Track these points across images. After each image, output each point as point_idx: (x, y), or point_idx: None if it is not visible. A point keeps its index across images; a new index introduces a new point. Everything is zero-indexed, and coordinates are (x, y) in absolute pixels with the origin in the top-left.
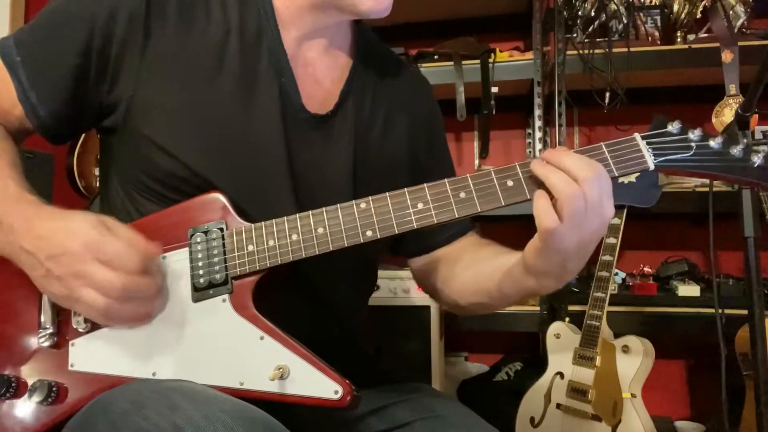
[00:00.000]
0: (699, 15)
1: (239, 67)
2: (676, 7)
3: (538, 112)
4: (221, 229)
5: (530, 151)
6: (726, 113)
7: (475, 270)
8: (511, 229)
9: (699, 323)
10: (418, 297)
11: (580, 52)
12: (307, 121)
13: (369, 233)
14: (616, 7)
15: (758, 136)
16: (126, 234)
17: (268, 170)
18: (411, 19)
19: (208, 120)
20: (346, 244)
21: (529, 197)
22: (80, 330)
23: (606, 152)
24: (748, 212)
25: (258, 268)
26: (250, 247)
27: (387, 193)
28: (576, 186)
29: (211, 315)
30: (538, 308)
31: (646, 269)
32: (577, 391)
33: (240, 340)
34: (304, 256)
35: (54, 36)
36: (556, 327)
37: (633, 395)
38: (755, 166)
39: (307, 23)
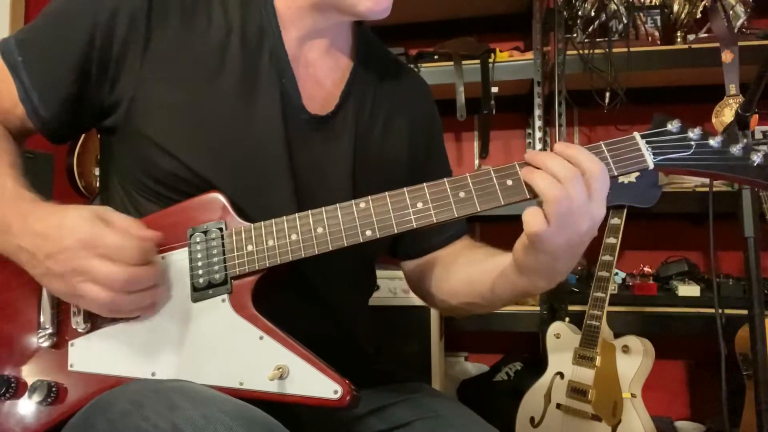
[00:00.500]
0: (699, 15)
1: (240, 67)
2: (676, 7)
3: (538, 112)
4: (221, 229)
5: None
6: (726, 113)
7: (469, 271)
8: (511, 229)
9: (699, 323)
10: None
11: (580, 52)
12: (308, 121)
13: (368, 233)
14: (616, 7)
15: (758, 136)
16: (122, 223)
17: (269, 171)
18: (411, 19)
19: (209, 120)
20: (345, 244)
21: (528, 196)
22: (80, 330)
23: (605, 151)
24: (748, 212)
25: (257, 268)
26: (250, 247)
27: (386, 193)
28: (560, 187)
29: (210, 315)
30: (538, 308)
31: (646, 269)
32: (577, 391)
33: (239, 340)
34: (303, 255)
35: (56, 36)
36: (556, 327)
37: (633, 395)
38: (755, 165)
39: (308, 24)
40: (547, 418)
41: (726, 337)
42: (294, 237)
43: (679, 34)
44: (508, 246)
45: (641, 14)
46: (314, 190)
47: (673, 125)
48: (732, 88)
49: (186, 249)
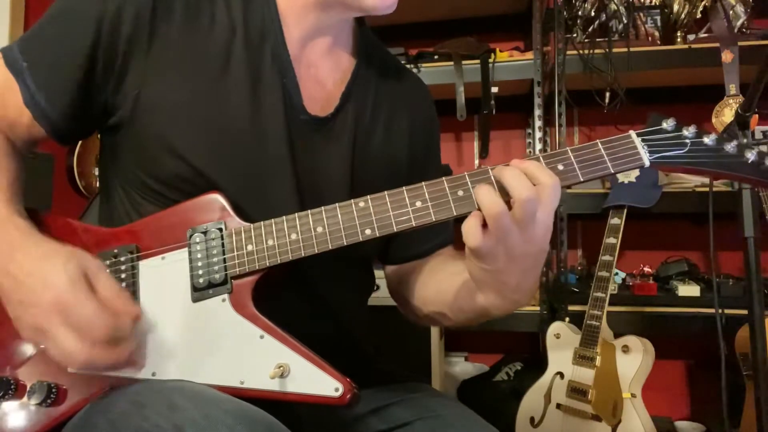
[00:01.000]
0: (699, 15)
1: (243, 66)
2: (676, 7)
3: (538, 112)
4: (220, 230)
5: (530, 151)
6: (726, 113)
7: (441, 279)
8: None
9: (699, 323)
10: None
11: (580, 52)
12: (308, 122)
13: (368, 232)
14: (616, 7)
15: (758, 135)
16: (106, 293)
17: (270, 171)
18: (411, 19)
19: (212, 119)
20: (345, 243)
21: None
22: None
23: (602, 149)
24: (748, 212)
25: (257, 267)
26: (250, 247)
27: (385, 192)
28: (501, 204)
29: (210, 315)
30: (538, 308)
31: (646, 269)
32: (577, 391)
33: (240, 339)
34: (303, 255)
35: (60, 36)
36: (556, 327)
37: (633, 395)
38: (749, 162)
39: (311, 22)
40: (547, 418)
41: (726, 337)
42: (294, 236)
43: (679, 34)
44: None
45: (641, 14)
46: (314, 191)
47: (668, 123)
48: (732, 88)
49: (186, 249)
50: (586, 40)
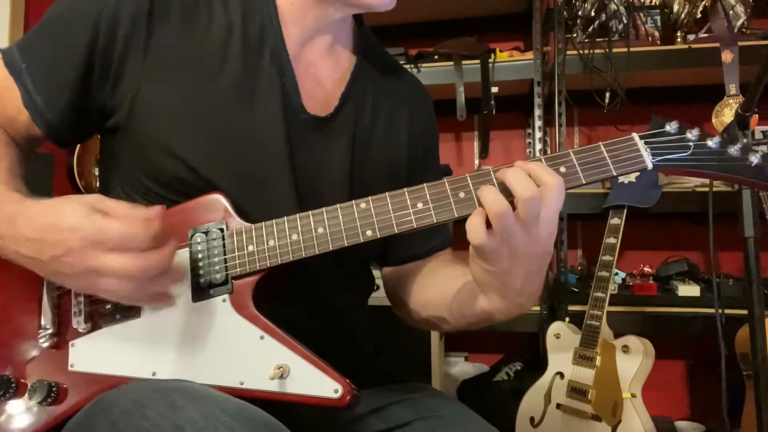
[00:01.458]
0: (699, 15)
1: (241, 66)
2: (676, 7)
3: (538, 112)
4: (221, 230)
5: (530, 151)
6: (726, 113)
7: (442, 283)
8: None
9: (699, 323)
10: None
11: (580, 52)
12: (307, 122)
13: (369, 233)
14: (616, 7)
15: (758, 136)
16: (122, 211)
17: (269, 171)
18: (411, 19)
19: (210, 120)
20: (346, 244)
21: None
22: (80, 330)
23: (604, 152)
24: (748, 212)
25: (258, 268)
26: (250, 247)
27: (387, 193)
28: (505, 204)
29: (211, 315)
30: (538, 308)
31: (646, 269)
32: (577, 391)
33: (240, 339)
34: (304, 256)
35: (58, 39)
36: (556, 327)
37: (633, 395)
38: (753, 165)
39: (311, 21)
40: (547, 418)
41: (726, 337)
42: (294, 237)
43: (679, 34)
44: None
45: (641, 14)
46: (313, 191)
47: (671, 126)
48: (732, 88)
49: (187, 249)
50: (586, 40)
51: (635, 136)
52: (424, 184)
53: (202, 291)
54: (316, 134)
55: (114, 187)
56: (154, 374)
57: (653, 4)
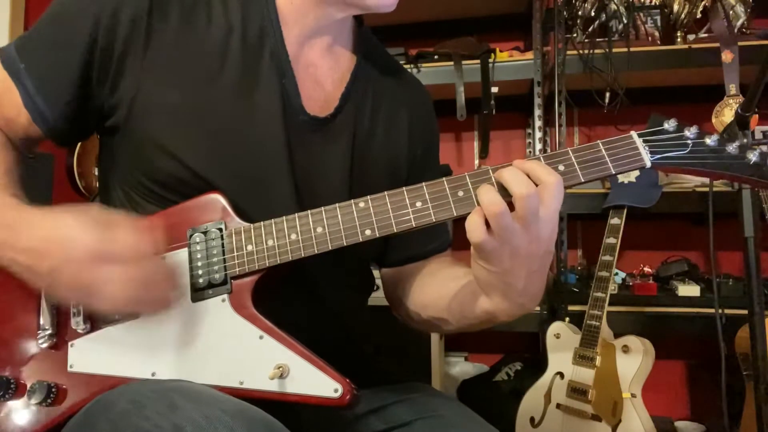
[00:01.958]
0: (699, 15)
1: (241, 67)
2: (676, 7)
3: (538, 112)
4: (220, 230)
5: (530, 151)
6: (726, 113)
7: (442, 285)
8: None
9: (699, 323)
10: None
11: (580, 52)
12: (307, 123)
13: (368, 232)
14: (616, 7)
15: (758, 136)
16: (124, 223)
17: (268, 171)
18: (411, 19)
19: (209, 120)
20: (345, 244)
21: None
22: (79, 331)
23: (603, 150)
24: (748, 212)
25: (257, 267)
26: (249, 247)
27: (385, 192)
28: (502, 204)
29: (210, 315)
30: (538, 308)
31: (646, 269)
32: (577, 391)
33: (239, 339)
34: (303, 255)
35: (57, 39)
36: (556, 327)
37: (633, 395)
38: (751, 163)
39: (310, 21)
40: (547, 418)
41: (726, 337)
42: (293, 237)
43: (679, 34)
44: None
45: (641, 14)
46: (313, 191)
47: (669, 124)
48: (732, 88)
49: (185, 249)
50: (586, 40)
51: (634, 134)
52: (423, 183)
53: (201, 291)
54: (315, 135)
55: (113, 187)
56: (153, 374)
57: (653, 4)
